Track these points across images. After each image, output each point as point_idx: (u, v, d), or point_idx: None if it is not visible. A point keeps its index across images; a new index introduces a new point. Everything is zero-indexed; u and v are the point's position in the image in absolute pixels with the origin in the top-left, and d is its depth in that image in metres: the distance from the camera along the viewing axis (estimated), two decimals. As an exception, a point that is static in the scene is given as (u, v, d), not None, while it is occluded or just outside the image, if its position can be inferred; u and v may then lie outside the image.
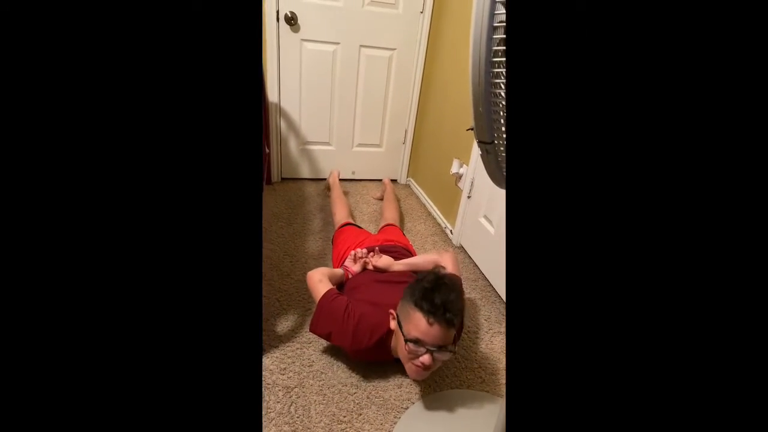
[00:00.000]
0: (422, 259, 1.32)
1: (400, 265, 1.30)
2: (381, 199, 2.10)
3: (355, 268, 1.29)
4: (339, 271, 1.28)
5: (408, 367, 0.98)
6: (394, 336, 1.03)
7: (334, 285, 1.19)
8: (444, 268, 1.18)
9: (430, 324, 0.90)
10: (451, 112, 1.90)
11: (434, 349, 0.92)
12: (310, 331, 1.11)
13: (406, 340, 0.93)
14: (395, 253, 1.37)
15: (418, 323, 0.91)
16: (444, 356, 0.95)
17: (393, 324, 1.01)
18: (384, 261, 1.29)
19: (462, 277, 1.23)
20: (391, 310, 1.03)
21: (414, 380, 1.07)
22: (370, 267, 1.29)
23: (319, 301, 1.10)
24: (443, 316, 0.90)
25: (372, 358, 1.09)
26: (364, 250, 1.33)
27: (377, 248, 1.34)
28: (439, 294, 0.91)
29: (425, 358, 0.92)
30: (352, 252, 1.33)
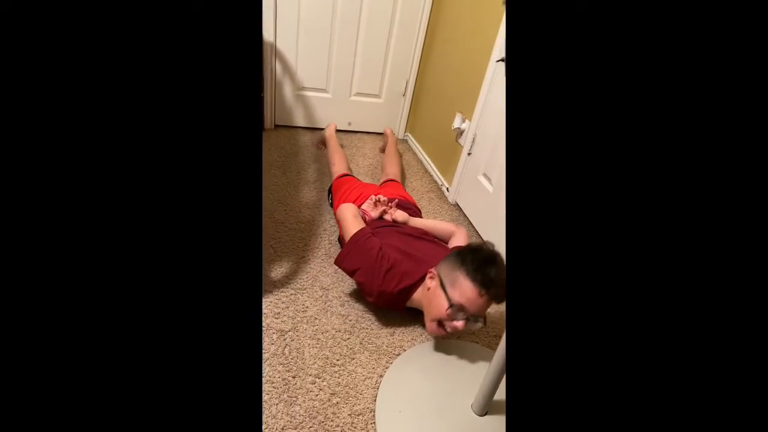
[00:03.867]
0: (439, 225, 1.34)
1: (417, 222, 1.31)
2: (383, 151, 2.05)
3: (374, 213, 1.28)
4: (359, 212, 1.28)
5: (430, 325, 1.00)
6: (420, 290, 1.05)
7: None
8: (492, 244, 1.13)
9: (481, 295, 0.93)
10: (456, 64, 1.81)
11: (472, 318, 0.95)
12: (335, 263, 1.12)
13: (451, 305, 0.95)
14: (410, 210, 1.38)
15: (466, 291, 0.94)
16: (476, 326, 0.98)
17: (432, 284, 1.02)
18: (401, 215, 1.29)
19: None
20: (432, 270, 1.04)
21: (431, 334, 1.06)
22: (388, 217, 1.28)
23: (353, 237, 1.10)
24: (495, 291, 0.93)
25: (387, 304, 1.10)
26: (386, 199, 1.31)
27: (396, 200, 1.34)
28: (495, 270, 0.93)
29: (459, 323, 0.95)
30: (373, 196, 1.31)
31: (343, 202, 1.41)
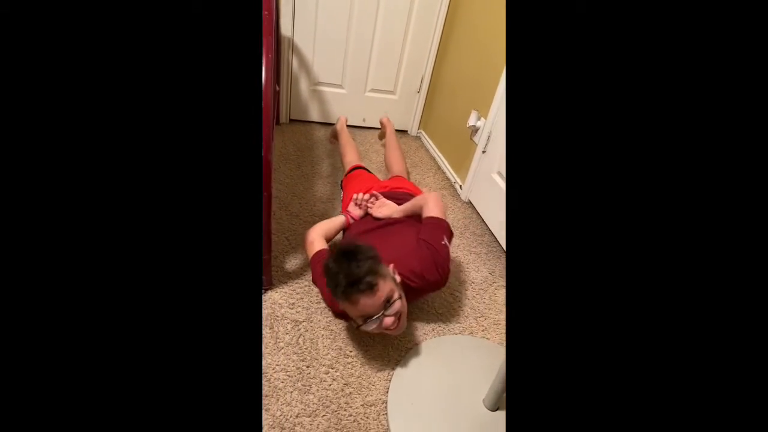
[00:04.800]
0: (414, 203, 1.22)
1: (399, 212, 1.23)
2: (381, 138, 1.99)
3: (357, 213, 1.27)
4: (339, 219, 1.26)
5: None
6: None
7: (333, 235, 1.21)
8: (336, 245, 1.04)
9: (357, 305, 0.88)
10: (473, 60, 1.81)
11: (381, 313, 0.90)
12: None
13: (357, 326, 0.94)
14: (402, 200, 1.31)
15: (349, 310, 0.91)
16: (395, 307, 0.91)
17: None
18: (386, 210, 1.24)
19: (450, 220, 1.18)
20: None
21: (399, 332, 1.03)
22: (371, 213, 1.27)
23: (310, 261, 1.14)
24: (359, 291, 0.86)
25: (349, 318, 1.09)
26: (366, 195, 1.29)
27: (377, 193, 1.29)
28: (342, 272, 0.87)
29: (385, 322, 0.90)
30: (354, 196, 1.29)
31: (347, 200, 1.41)
